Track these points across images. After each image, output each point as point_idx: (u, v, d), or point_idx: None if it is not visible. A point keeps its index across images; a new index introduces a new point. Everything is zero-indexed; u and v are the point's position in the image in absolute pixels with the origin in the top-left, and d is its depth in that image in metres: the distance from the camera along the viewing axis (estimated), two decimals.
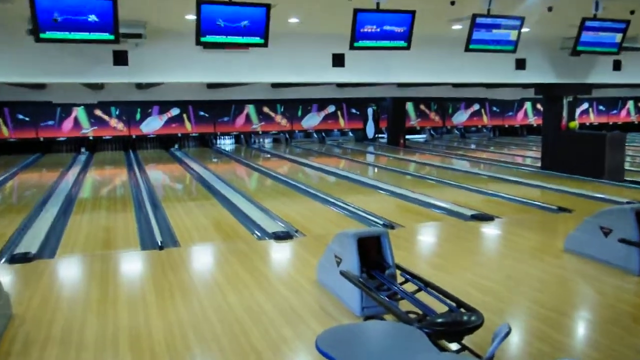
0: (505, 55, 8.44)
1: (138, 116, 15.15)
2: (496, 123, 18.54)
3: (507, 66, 8.76)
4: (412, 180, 9.33)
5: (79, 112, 14.68)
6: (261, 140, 16.42)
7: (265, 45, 6.10)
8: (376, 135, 17.18)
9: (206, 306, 4.06)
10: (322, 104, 16.64)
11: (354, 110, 17.06)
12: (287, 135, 16.42)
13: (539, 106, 18.38)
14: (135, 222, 6.32)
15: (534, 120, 18.79)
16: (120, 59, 6.85)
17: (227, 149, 15.15)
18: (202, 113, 15.65)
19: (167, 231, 5.88)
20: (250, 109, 15.97)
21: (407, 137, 17.01)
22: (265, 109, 16.11)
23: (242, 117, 15.91)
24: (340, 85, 14.35)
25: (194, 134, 15.56)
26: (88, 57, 6.86)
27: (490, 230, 5.82)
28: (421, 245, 5.47)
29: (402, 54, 7.51)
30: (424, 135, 17.86)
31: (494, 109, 18.63)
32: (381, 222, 6.00)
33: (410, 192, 8.00)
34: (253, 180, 9.84)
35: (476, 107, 18.35)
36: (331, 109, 16.82)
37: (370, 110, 17.01)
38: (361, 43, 6.35)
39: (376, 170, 10.96)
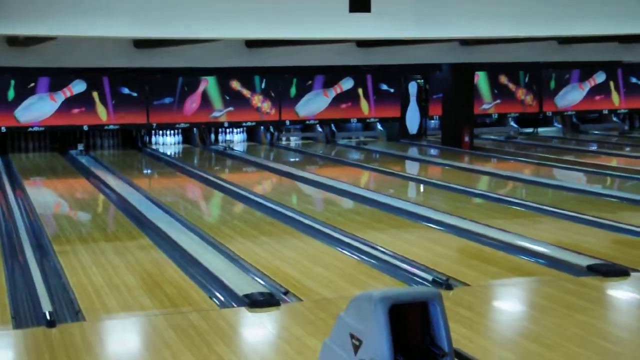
0: None
1: (11, 94, 13.53)
2: (636, 105, 17.12)
3: None
4: (485, 206, 8.82)
5: None
6: (230, 136, 15.70)
7: None
8: (423, 130, 16.26)
9: None
10: (331, 76, 15.56)
11: (384, 87, 15.93)
12: (326, 130, 15.71)
13: None
14: (5, 280, 5.86)
15: None
16: None
17: (168, 152, 14.37)
18: (125, 90, 14.21)
19: (62, 294, 5.57)
20: (209, 83, 14.78)
21: (478, 131, 15.93)
22: (235, 85, 14.94)
23: (194, 97, 14.70)
24: (363, 44, 13.27)
25: (111, 126, 14.23)
26: None
27: (623, 294, 5.41)
28: (499, 318, 5.19)
29: None
30: (506, 129, 16.77)
31: (633, 80, 17.08)
32: (430, 278, 5.49)
33: (482, 226, 7.34)
34: (214, 206, 9.59)
35: (600, 78, 16.89)
36: (347, 84, 15.63)
37: (413, 87, 16.00)
38: None
39: (422, 189, 10.52)
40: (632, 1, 8.00)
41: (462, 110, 14.63)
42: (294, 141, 15.61)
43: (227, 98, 14.88)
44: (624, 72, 16.70)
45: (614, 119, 17.00)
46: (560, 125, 17.01)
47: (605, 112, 16.90)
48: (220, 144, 15.14)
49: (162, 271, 5.94)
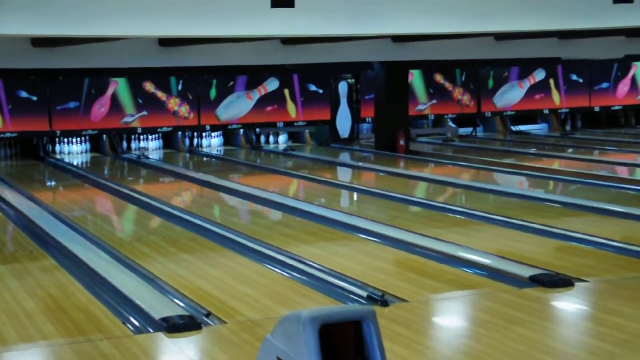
0: None
1: None
2: (577, 104, 17.58)
3: None
4: (423, 214, 8.92)
5: None
6: (144, 143, 15.57)
7: None
8: (355, 133, 16.34)
9: None
10: (254, 76, 15.65)
11: (313, 88, 16.08)
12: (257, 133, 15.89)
13: None
14: None
15: None
16: None
17: (75, 162, 14.22)
18: (23, 94, 14.13)
19: None
20: (119, 86, 14.69)
21: (414, 135, 16.18)
22: (148, 87, 14.91)
23: (103, 101, 14.62)
24: (288, 41, 13.36)
25: (8, 134, 14.12)
26: None
27: (567, 306, 5.53)
28: (438, 335, 5.20)
29: None
30: (441, 131, 17.09)
31: (573, 78, 17.56)
32: (365, 294, 5.53)
33: (420, 236, 7.42)
34: (127, 221, 9.50)
35: (539, 75, 17.35)
36: (272, 85, 15.76)
37: (343, 88, 16.16)
38: None
39: (356, 197, 10.55)
40: None
41: (396, 111, 14.85)
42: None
43: (140, 102, 14.74)
44: (564, 69, 17.27)
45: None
46: (507, 125, 17.44)
47: (546, 111, 17.45)
48: (134, 152, 14.97)
49: (67, 295, 5.82)
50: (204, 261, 6.75)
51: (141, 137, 15.21)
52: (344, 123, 16.18)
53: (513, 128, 17.14)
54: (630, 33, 13.48)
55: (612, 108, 17.52)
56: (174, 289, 5.80)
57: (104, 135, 14.78)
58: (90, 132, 14.56)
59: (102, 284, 5.97)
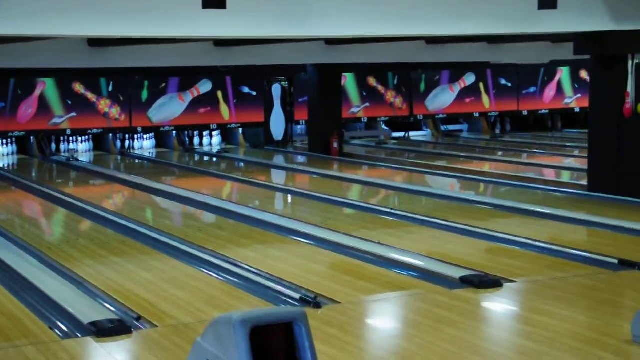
0: None
1: None
2: (506, 108, 17.90)
3: (524, 3, 8.33)
4: (356, 216, 8.99)
5: None
6: (74, 145, 15.27)
7: None
8: (289, 136, 16.41)
9: None
10: (187, 78, 15.56)
11: (246, 90, 16.08)
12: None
13: (583, 75, 17.83)
14: None
15: (574, 102, 18.24)
16: None
17: (1, 165, 13.95)
18: None
19: None
20: (47, 86, 14.45)
21: (348, 136, 16.34)
22: (78, 88, 14.70)
23: (30, 102, 14.38)
24: (221, 43, 13.38)
25: None
26: None
27: (496, 306, 5.62)
28: (370, 336, 5.26)
29: None
30: (375, 133, 17.25)
31: (502, 82, 17.89)
32: (298, 296, 5.56)
33: (353, 238, 7.49)
34: (56, 224, 9.33)
35: (469, 79, 17.66)
36: (205, 87, 15.69)
37: (277, 90, 16.22)
38: None
39: (290, 200, 10.57)
40: (498, 0, 8.44)
41: (329, 114, 14.94)
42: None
43: (69, 103, 14.49)
44: (493, 73, 17.65)
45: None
46: (436, 128, 17.71)
47: (477, 114, 17.79)
48: (63, 154, 14.73)
49: None
50: (135, 264, 6.67)
51: (70, 139, 14.95)
52: (277, 125, 16.22)
53: (443, 128, 17.48)
54: (556, 39, 13.89)
55: (540, 112, 17.97)
56: (103, 293, 5.72)
57: (32, 137, 14.46)
58: (17, 133, 14.25)
59: (28, 289, 5.85)
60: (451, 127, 17.74)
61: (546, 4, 8.22)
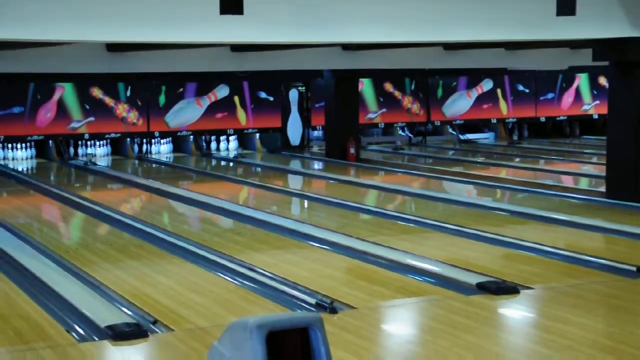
0: None
1: None
2: (523, 114, 17.83)
3: (542, 9, 8.27)
4: (373, 222, 8.94)
5: None
6: (92, 149, 15.35)
7: None
8: (306, 141, 16.40)
9: None
10: (204, 83, 15.60)
11: (263, 95, 16.11)
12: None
13: (601, 81, 17.75)
14: None
15: (592, 108, 18.15)
16: None
17: (20, 168, 14.01)
18: None
19: None
20: (65, 91, 14.55)
21: (365, 143, 16.28)
22: (96, 92, 14.80)
23: (49, 106, 14.49)
24: (238, 48, 13.36)
25: None
26: None
27: (512, 312, 5.61)
28: (386, 342, 5.22)
29: None
30: (396, 138, 17.26)
31: (520, 88, 17.80)
32: (314, 301, 5.53)
33: (369, 243, 7.45)
34: (74, 228, 9.35)
35: (487, 85, 17.60)
36: (222, 92, 15.75)
37: (294, 95, 16.23)
38: None
39: (307, 205, 10.59)
40: (516, 7, 8.43)
41: (346, 119, 14.94)
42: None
43: (87, 107, 14.57)
44: (511, 79, 17.58)
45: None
46: (453, 133, 17.63)
47: (494, 120, 17.75)
48: (81, 158, 14.79)
49: (10, 303, 5.70)
50: (152, 268, 6.68)
51: (88, 143, 15.04)
52: (294, 130, 16.24)
53: (461, 137, 17.39)
54: (574, 45, 13.82)
55: (558, 118, 17.88)
56: (120, 297, 5.72)
57: (50, 141, 14.55)
58: (36, 137, 14.33)
59: (46, 292, 5.87)
60: (474, 136, 17.66)
61: (564, 10, 8.20)
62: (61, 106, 14.42)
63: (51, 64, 12.61)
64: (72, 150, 14.87)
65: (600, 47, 9.39)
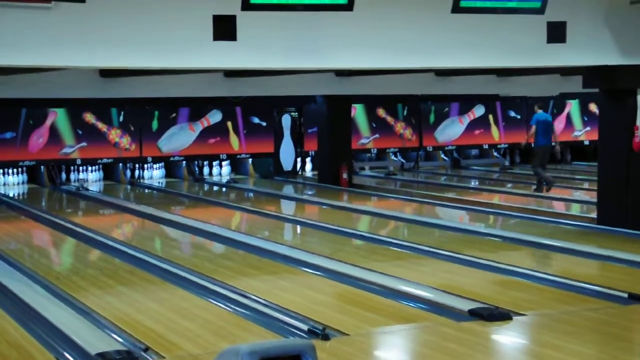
0: (528, 19, 8.25)
1: None
2: (515, 139, 17.79)
3: (533, 37, 8.38)
4: (365, 248, 8.96)
5: None
6: (84, 174, 15.39)
7: None
8: (299, 167, 16.51)
9: None
10: (197, 108, 15.67)
11: (256, 121, 16.16)
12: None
13: (592, 108, 17.89)
14: None
15: (583, 135, 18.31)
16: None
17: (11, 194, 14.00)
18: None
19: None
20: (58, 116, 14.56)
21: (359, 167, 16.45)
22: (89, 118, 14.81)
23: (41, 132, 14.49)
24: (231, 74, 13.51)
25: None
26: None
27: (505, 339, 5.59)
28: None
29: (341, 17, 7.45)
30: (384, 164, 17.33)
31: (511, 114, 17.97)
32: (306, 328, 5.54)
33: (362, 269, 7.45)
34: (65, 254, 9.35)
35: (479, 111, 17.74)
36: (215, 117, 15.79)
37: (286, 121, 16.28)
38: None
39: (299, 230, 10.59)
40: (507, 34, 8.52)
41: (339, 145, 15.00)
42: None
43: (80, 132, 14.58)
44: (503, 105, 17.71)
45: (495, 154, 17.90)
46: (446, 159, 17.69)
47: (486, 146, 17.82)
48: (73, 183, 14.78)
49: None
50: (143, 294, 6.65)
51: (81, 168, 15.03)
52: (287, 156, 16.29)
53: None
54: (565, 72, 13.94)
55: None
56: (111, 323, 5.70)
57: (42, 167, 14.53)
58: (27, 162, 14.32)
59: (35, 319, 5.83)
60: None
61: (555, 38, 8.31)
62: (53, 131, 14.43)
63: (44, 89, 12.64)
64: (64, 175, 14.85)
65: (590, 74, 9.50)
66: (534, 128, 12.46)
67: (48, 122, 14.41)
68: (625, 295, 6.10)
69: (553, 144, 12.67)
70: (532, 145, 12.66)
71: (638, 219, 9.01)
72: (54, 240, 9.95)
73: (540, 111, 12.63)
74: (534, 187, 12.74)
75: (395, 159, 17.37)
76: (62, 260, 8.87)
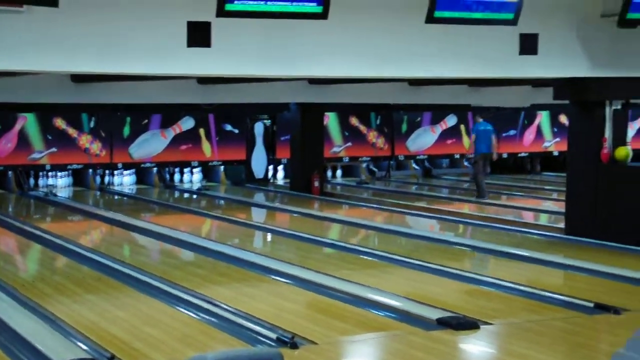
0: (501, 30, 8.15)
1: None
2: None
3: (505, 48, 8.46)
4: (335, 256, 8.97)
5: None
6: (53, 180, 15.25)
7: None
8: (270, 175, 16.54)
9: None
10: (169, 115, 15.61)
11: (228, 128, 16.13)
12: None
13: (562, 119, 18.07)
14: None
15: (553, 145, 18.47)
16: None
17: None
18: None
19: None
20: (27, 121, 14.42)
21: (332, 176, 16.47)
22: (59, 123, 14.66)
23: (10, 137, 14.35)
24: (204, 80, 13.49)
25: None
26: None
27: (473, 348, 5.62)
28: None
29: (316, 25, 7.41)
30: (356, 164, 17.33)
31: None
32: (274, 336, 5.54)
33: (331, 278, 7.47)
34: (31, 260, 9.27)
35: (451, 121, 17.86)
36: (187, 124, 15.74)
37: (259, 128, 16.29)
38: (240, 5, 6.56)
39: (269, 238, 10.60)
40: (479, 45, 8.59)
41: (311, 153, 15.00)
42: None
43: (50, 138, 14.43)
44: (474, 115, 17.74)
45: (465, 163, 18.00)
46: (417, 168, 17.77)
47: (457, 156, 17.93)
48: (41, 189, 14.64)
49: None
50: (110, 302, 6.62)
51: (49, 174, 14.88)
52: (259, 163, 16.27)
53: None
54: (536, 83, 14.09)
55: (519, 155, 18.13)
56: (77, 331, 5.66)
57: (10, 172, 14.38)
58: None
59: (0, 327, 5.76)
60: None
61: (527, 50, 8.39)
62: (22, 136, 14.28)
63: (14, 93, 12.51)
64: (32, 181, 14.70)
65: (561, 86, 9.60)
66: (473, 137, 13.10)
67: (17, 127, 14.25)
68: (592, 304, 6.17)
69: (492, 152, 13.17)
70: (472, 154, 13.14)
71: (605, 230, 9.12)
72: (21, 246, 9.84)
73: (481, 120, 13.20)
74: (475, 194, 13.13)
75: (374, 169, 17.43)
76: (27, 267, 8.78)
